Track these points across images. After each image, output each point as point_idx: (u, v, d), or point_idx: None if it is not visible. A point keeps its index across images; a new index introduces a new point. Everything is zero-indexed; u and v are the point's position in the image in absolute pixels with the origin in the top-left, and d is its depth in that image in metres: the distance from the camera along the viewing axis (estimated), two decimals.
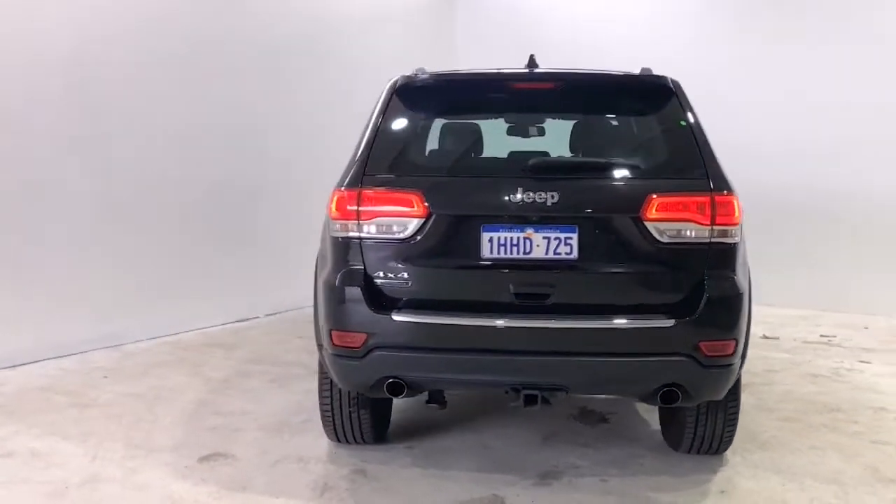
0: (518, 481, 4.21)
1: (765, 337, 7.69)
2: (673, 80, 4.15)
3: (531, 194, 3.71)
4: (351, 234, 3.88)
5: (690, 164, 3.86)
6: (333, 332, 3.90)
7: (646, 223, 3.71)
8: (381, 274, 3.84)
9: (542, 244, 3.73)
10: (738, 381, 4.18)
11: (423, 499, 4.02)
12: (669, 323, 3.69)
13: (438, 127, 4.40)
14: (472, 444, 4.74)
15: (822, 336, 7.84)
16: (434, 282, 3.86)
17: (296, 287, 8.90)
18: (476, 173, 4.14)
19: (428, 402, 4.34)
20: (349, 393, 4.36)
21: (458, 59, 11.31)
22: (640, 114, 4.19)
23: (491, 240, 3.76)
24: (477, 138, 4.41)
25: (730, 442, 4.44)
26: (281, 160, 8.80)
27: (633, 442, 4.81)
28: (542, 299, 3.75)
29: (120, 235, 7.18)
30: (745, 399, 5.64)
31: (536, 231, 3.74)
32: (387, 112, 4.10)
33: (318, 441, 4.73)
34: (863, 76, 8.80)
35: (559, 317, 3.72)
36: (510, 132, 5.03)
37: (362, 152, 3.99)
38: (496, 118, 4.56)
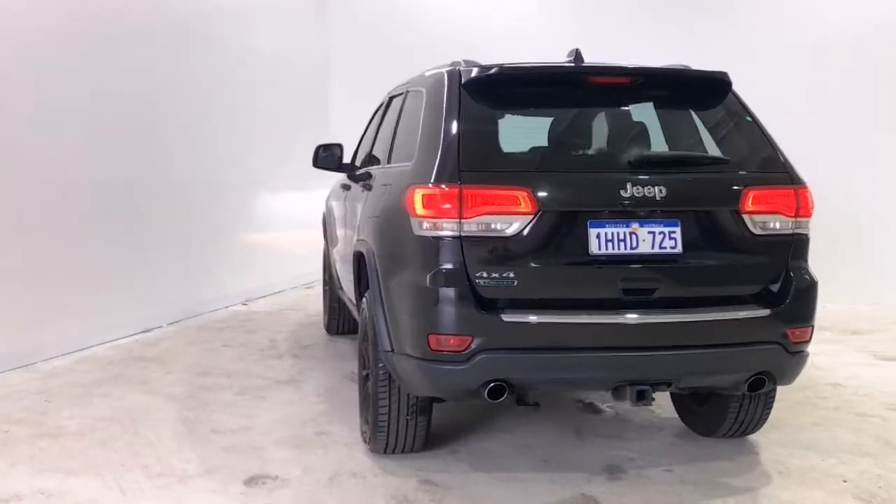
0: (591, 478, 4.19)
1: None
2: (728, 76, 4.27)
3: (640, 189, 3.70)
4: (446, 232, 3.69)
5: (771, 159, 4.04)
6: (431, 336, 3.70)
7: (743, 216, 3.83)
8: (485, 273, 3.68)
9: (648, 239, 3.74)
10: None
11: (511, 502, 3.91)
12: (765, 312, 3.84)
13: (520, 122, 4.28)
14: (513, 445, 4.65)
15: None
16: (541, 280, 3.75)
17: (201, 293, 8.39)
18: (580, 168, 4.08)
19: (519, 403, 4.21)
20: (408, 400, 4.16)
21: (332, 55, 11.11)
22: (708, 108, 4.28)
23: (598, 235, 3.71)
24: (564, 132, 4.34)
25: (763, 423, 4.64)
26: (183, 160, 8.18)
27: (656, 431, 4.92)
28: (648, 294, 3.76)
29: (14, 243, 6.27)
30: None
31: (641, 226, 3.74)
32: (461, 105, 3.93)
33: (354, 453, 4.48)
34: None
35: (666, 311, 3.75)
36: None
37: (446, 146, 3.82)
38: (570, 111, 4.48)
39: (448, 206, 3.67)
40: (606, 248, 3.72)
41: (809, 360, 4.16)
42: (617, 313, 3.72)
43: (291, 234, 10.31)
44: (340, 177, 6.71)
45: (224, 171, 8.86)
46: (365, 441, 4.53)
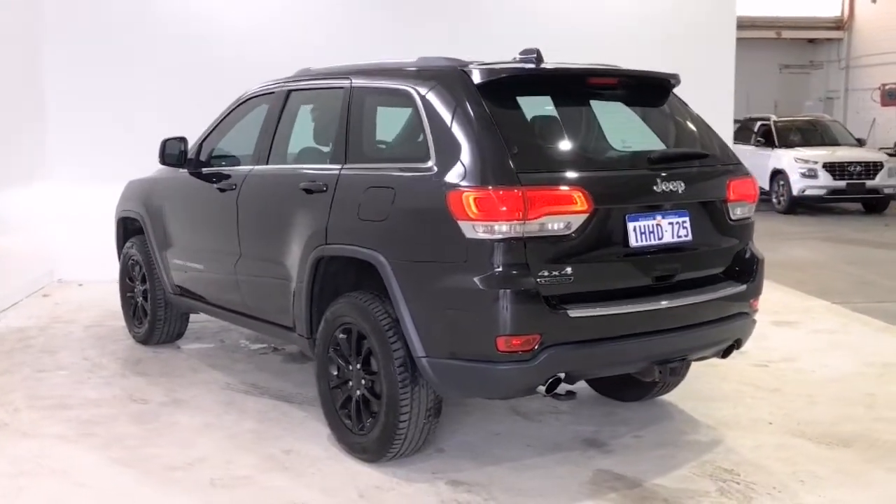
0: (586, 445, 4.56)
1: None
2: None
3: (668, 184, 4.11)
4: (508, 234, 3.76)
5: (728, 152, 4.72)
6: (500, 339, 3.76)
7: (728, 204, 4.44)
8: (546, 272, 3.83)
9: (669, 229, 4.20)
10: None
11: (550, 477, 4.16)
12: (743, 287, 4.49)
13: (543, 120, 4.37)
14: (483, 434, 4.81)
15: None
16: (594, 274, 4.02)
17: None
18: (617, 167, 4.43)
19: (556, 396, 4.32)
20: (428, 402, 4.18)
21: None
22: (670, 107, 4.76)
23: (635, 229, 4.06)
24: (585, 132, 4.55)
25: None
26: None
27: (602, 403, 5.30)
28: (670, 279, 4.22)
29: None
30: None
31: (664, 217, 4.17)
32: (487, 107, 4.00)
33: (350, 468, 4.35)
34: None
35: (684, 293, 4.23)
36: None
37: (485, 147, 3.91)
38: (577, 111, 4.67)
39: (505, 207, 3.73)
40: (642, 240, 4.09)
41: None
42: (653, 299, 4.13)
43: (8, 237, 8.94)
44: (164, 172, 6.22)
45: None
46: (354, 451, 4.42)
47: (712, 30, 10.29)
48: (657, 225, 4.14)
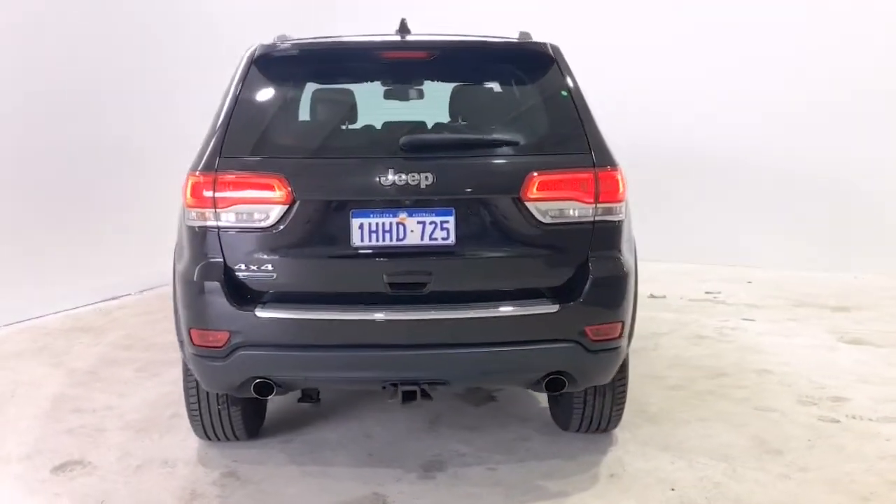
0: (402, 475, 3.98)
1: (652, 296, 7.66)
2: (553, 46, 3.91)
3: (403, 176, 3.42)
4: (208, 222, 3.52)
5: (572, 138, 3.64)
6: (193, 331, 3.56)
7: (526, 203, 3.48)
8: (243, 266, 3.51)
9: (417, 229, 3.46)
10: (625, 361, 4.06)
11: (300, 502, 3.76)
12: (554, 308, 3.50)
13: (302, 101, 4.02)
14: (355, 434, 4.48)
15: (707, 293, 7.88)
16: (301, 274, 3.55)
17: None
18: (343, 153, 3.79)
19: (300, 399, 4.06)
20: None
21: None
22: (519, 83, 3.94)
23: (361, 226, 3.46)
24: (345, 113, 4.08)
25: (618, 420, 4.32)
26: (145, 119, 8.14)
27: (522, 422, 4.64)
28: (418, 289, 3.49)
29: None
30: (634, 367, 5.49)
31: (410, 215, 3.46)
32: (244, 85, 3.72)
33: (188, 440, 4.39)
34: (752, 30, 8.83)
35: (436, 307, 3.47)
36: (387, 96, 4.71)
37: (218, 131, 3.62)
38: (366, 87, 4.23)
39: (208, 194, 3.50)
40: (370, 240, 3.46)
41: (624, 357, 3.86)
42: (378, 309, 3.46)
43: None
44: None
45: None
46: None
47: None
48: (398, 224, 3.45)
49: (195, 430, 4.24)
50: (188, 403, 4.12)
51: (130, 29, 7.99)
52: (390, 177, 3.42)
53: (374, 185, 3.44)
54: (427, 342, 3.50)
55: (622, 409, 4.26)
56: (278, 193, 3.44)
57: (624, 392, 4.18)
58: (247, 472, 4.04)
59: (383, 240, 3.46)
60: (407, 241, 3.46)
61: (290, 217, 3.45)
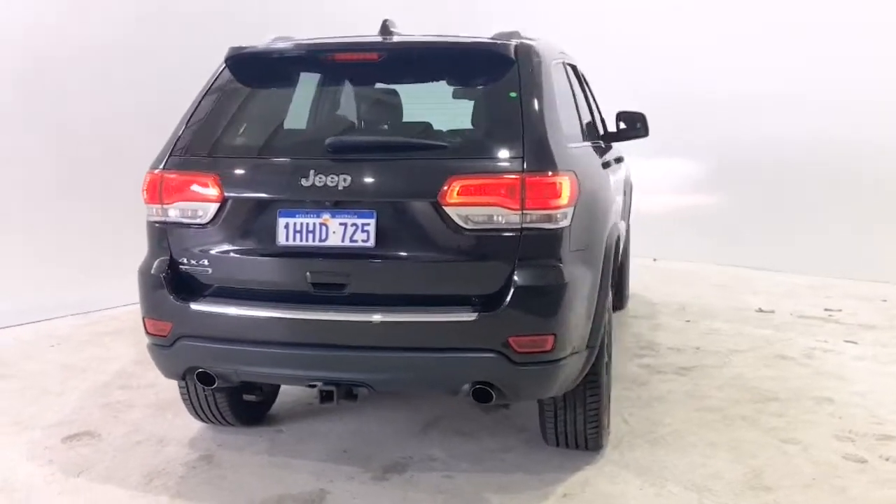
0: (358, 475, 4.01)
1: (760, 310, 7.13)
2: (521, 47, 3.76)
3: (323, 177, 3.45)
4: (159, 218, 3.76)
5: (505, 141, 3.49)
6: (147, 320, 3.81)
7: (446, 208, 3.38)
8: (185, 261, 3.71)
9: (339, 231, 3.47)
10: (596, 378, 3.87)
11: (245, 491, 3.87)
12: (472, 317, 3.38)
13: (254, 103, 4.10)
14: (344, 429, 4.55)
15: (825, 310, 7.20)
16: (232, 270, 3.68)
17: None
18: (273, 153, 3.89)
19: (244, 394, 4.20)
20: None
21: None
22: (473, 85, 3.85)
23: (287, 226, 3.53)
24: (290, 114, 4.17)
25: (597, 439, 4.08)
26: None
27: (518, 432, 4.51)
28: (338, 290, 3.51)
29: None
30: (680, 385, 5.29)
31: (333, 217, 3.48)
32: (211, 87, 3.93)
33: (195, 421, 4.61)
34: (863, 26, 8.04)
35: (355, 308, 3.47)
36: (356, 98, 4.62)
37: (176, 131, 3.84)
38: (322, 89, 4.30)
39: (158, 192, 3.74)
40: (294, 240, 3.52)
41: (578, 372, 3.66)
42: (298, 308, 3.52)
43: None
44: None
45: None
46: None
47: None
48: (322, 224, 3.46)
49: (189, 412, 4.49)
50: (179, 386, 4.36)
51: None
52: (311, 178, 3.46)
53: (297, 185, 3.49)
54: (346, 343, 3.51)
55: (597, 428, 4.03)
56: (212, 192, 3.60)
57: (596, 410, 3.96)
58: (222, 457, 4.22)
59: (307, 240, 3.51)
60: (329, 242, 3.48)
61: (223, 215, 3.61)
